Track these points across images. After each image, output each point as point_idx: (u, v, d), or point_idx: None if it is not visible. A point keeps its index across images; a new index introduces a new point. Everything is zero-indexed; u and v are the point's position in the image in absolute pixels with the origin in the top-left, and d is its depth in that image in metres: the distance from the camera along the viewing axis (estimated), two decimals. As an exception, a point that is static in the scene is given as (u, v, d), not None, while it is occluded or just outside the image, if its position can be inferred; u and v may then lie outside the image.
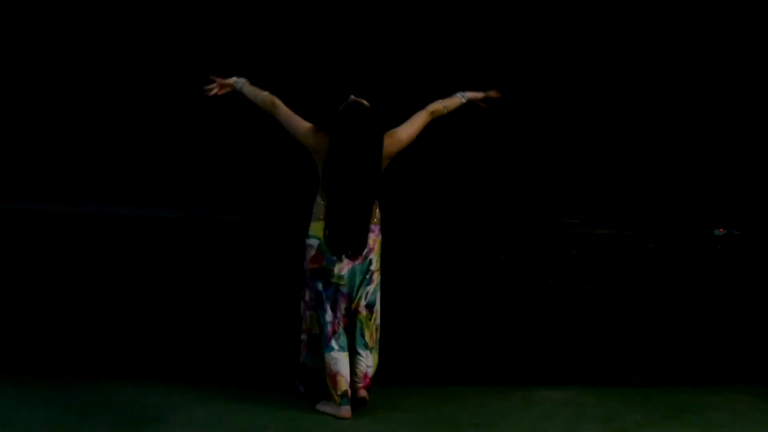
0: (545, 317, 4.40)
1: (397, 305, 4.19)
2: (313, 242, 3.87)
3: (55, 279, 4.42)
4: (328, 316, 3.87)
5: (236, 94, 4.00)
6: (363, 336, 3.92)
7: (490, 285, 4.41)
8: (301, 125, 3.90)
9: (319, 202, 3.87)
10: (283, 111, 3.92)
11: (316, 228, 3.86)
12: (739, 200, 4.86)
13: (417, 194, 4.52)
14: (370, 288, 3.91)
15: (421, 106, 3.96)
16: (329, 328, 3.87)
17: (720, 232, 4.60)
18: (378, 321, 3.98)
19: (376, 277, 3.93)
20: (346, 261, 3.84)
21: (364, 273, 3.88)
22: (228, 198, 5.05)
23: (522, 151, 5.01)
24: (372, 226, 3.86)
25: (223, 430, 3.70)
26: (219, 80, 4.01)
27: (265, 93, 3.96)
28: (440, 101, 3.99)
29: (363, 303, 3.91)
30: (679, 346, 4.42)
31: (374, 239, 3.88)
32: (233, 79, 4.00)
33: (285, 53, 4.98)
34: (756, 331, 4.48)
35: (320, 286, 3.88)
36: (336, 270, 3.85)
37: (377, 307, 3.96)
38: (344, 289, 3.87)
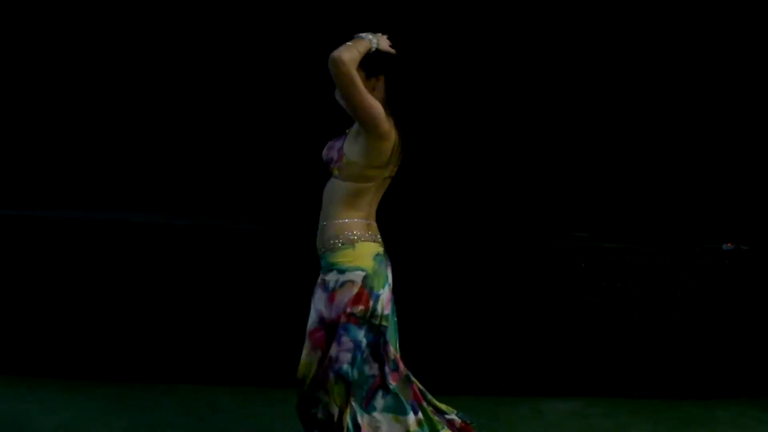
0: (554, 329, 4.42)
1: (408, 317, 4.22)
2: (356, 276, 2.90)
3: (71, 284, 4.46)
4: (370, 368, 2.94)
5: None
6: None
7: (499, 297, 4.43)
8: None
9: (356, 222, 2.96)
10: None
11: (358, 255, 2.92)
12: (747, 215, 4.87)
13: (427, 207, 4.54)
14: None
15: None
16: (371, 383, 2.95)
17: (728, 246, 4.62)
18: None
19: None
20: (388, 292, 2.98)
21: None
22: (248, 207, 5.07)
23: (531, 164, 5.03)
24: None
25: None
26: None
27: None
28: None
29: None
30: (686, 360, 4.43)
31: None
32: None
33: (285, 53, 5.02)
34: (763, 345, 4.49)
35: (361, 335, 2.92)
36: (380, 308, 2.94)
37: None
38: (388, 334, 2.98)
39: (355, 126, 3.00)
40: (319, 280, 2.98)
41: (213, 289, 4.45)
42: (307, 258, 4.36)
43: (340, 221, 2.95)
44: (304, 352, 2.95)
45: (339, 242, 2.93)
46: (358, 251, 2.92)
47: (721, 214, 4.90)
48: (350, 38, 2.92)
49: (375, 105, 2.87)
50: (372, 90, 2.94)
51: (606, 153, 4.99)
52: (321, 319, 2.93)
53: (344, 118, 3.18)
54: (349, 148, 2.97)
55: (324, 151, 3.09)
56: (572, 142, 5.00)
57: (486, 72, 4.94)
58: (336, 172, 3.00)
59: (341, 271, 2.91)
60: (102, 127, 5.16)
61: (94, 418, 3.89)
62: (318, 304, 2.94)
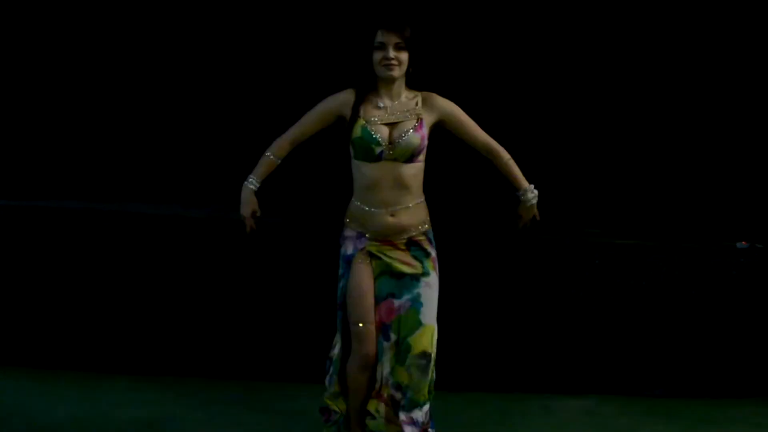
0: (567, 326, 4.40)
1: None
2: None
3: (83, 275, 4.45)
4: None
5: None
6: None
7: (512, 293, 4.41)
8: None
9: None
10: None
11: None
12: (763, 213, 4.84)
13: (439, 203, 4.50)
14: None
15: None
16: None
17: (743, 244, 4.59)
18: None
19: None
20: None
21: None
22: (262, 198, 5.02)
23: (544, 160, 5.00)
24: None
25: (239, 431, 3.75)
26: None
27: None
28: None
29: None
30: (700, 358, 4.41)
31: None
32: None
33: (284, 53, 4.99)
34: (777, 344, 4.47)
35: None
36: None
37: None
38: None
39: (431, 118, 3.26)
40: (434, 254, 3.30)
41: (225, 282, 4.43)
42: (322, 250, 4.36)
43: (424, 201, 3.30)
44: (435, 322, 3.27)
45: (428, 220, 3.31)
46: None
47: (736, 212, 4.87)
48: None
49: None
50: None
51: (620, 149, 4.95)
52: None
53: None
54: (427, 136, 3.25)
55: (418, 141, 3.20)
56: (585, 139, 4.96)
57: (498, 69, 4.91)
58: (421, 157, 3.23)
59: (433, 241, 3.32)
60: (113, 117, 5.13)
61: (103, 411, 3.88)
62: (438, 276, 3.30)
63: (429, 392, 3.27)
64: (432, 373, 3.28)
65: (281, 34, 4.99)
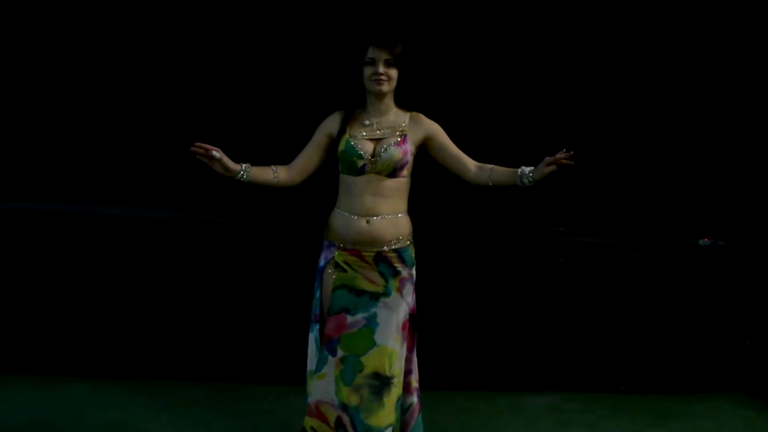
0: (532, 323, 4.42)
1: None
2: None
3: (44, 278, 4.37)
4: None
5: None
6: None
7: (477, 291, 4.42)
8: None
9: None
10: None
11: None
12: (724, 211, 4.90)
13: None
14: None
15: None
16: None
17: (705, 242, 4.64)
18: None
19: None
20: None
21: None
22: (224, 200, 4.99)
23: (509, 159, 5.02)
24: None
25: (210, 432, 3.71)
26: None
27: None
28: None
29: None
30: (663, 354, 4.46)
31: None
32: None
33: (284, 54, 4.97)
34: (738, 339, 4.52)
35: None
36: None
37: None
38: None
39: (417, 136, 3.28)
40: (405, 275, 3.24)
41: (187, 283, 4.38)
42: (284, 251, 4.34)
43: (406, 217, 3.28)
44: (396, 344, 3.17)
45: (410, 237, 3.29)
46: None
47: (698, 210, 4.92)
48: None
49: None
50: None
51: (583, 147, 4.96)
52: (408, 311, 3.24)
53: (322, 111, 3.34)
54: (411, 152, 3.27)
55: (400, 155, 3.21)
56: (548, 137, 4.99)
57: (461, 70, 4.92)
58: (405, 173, 3.24)
59: (415, 264, 3.29)
60: (77, 118, 5.06)
61: (66, 416, 3.82)
62: (408, 298, 3.24)
63: (396, 420, 3.16)
64: (397, 399, 3.16)
65: (270, 47, 4.94)
